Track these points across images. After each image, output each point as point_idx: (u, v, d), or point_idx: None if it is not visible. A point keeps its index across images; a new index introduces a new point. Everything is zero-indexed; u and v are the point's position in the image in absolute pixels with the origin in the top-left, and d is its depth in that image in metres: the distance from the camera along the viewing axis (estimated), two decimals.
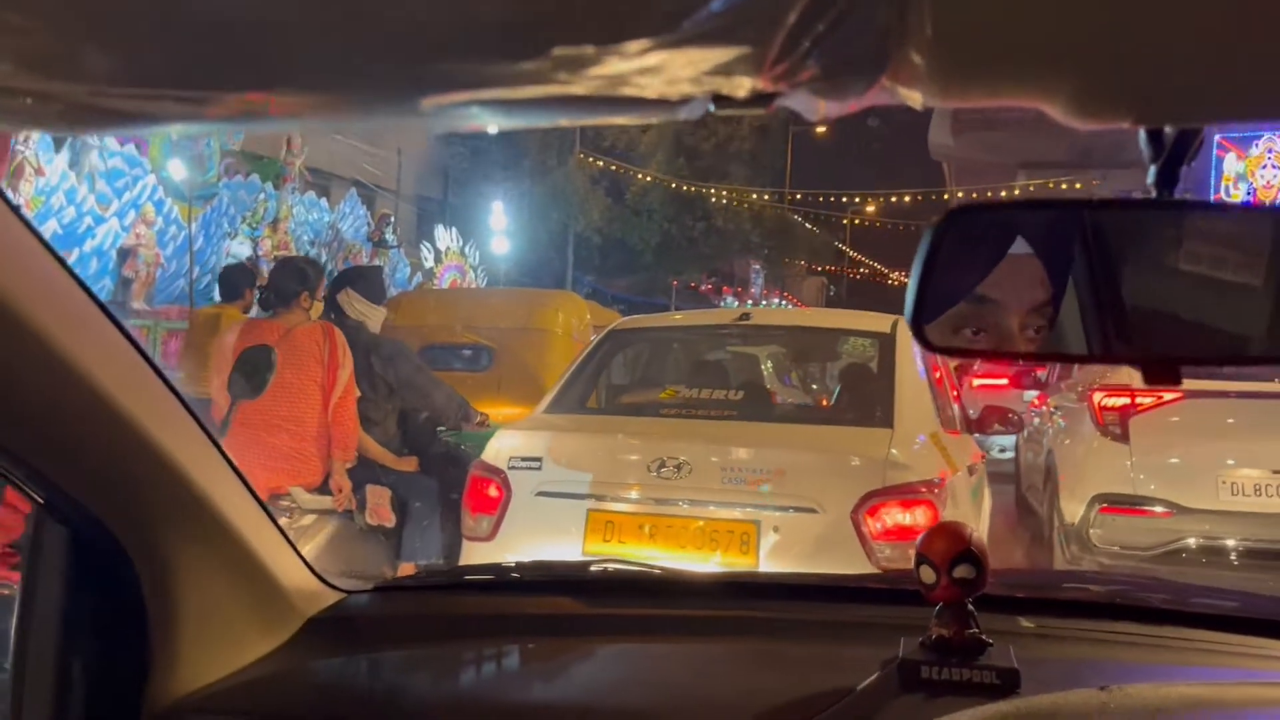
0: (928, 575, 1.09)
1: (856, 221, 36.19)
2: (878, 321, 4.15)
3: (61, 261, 0.86)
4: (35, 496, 1.00)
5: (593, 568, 1.60)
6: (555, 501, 3.46)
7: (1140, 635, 1.27)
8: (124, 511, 1.03)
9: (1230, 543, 4.80)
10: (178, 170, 11.79)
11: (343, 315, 4.56)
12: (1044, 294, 0.78)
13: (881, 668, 1.11)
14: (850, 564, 3.02)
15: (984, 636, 1.10)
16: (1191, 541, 4.84)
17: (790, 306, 35.46)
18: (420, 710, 1.16)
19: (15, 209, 0.81)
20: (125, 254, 10.92)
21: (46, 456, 0.94)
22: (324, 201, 15.95)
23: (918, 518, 3.07)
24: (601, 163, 25.79)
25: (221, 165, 13.75)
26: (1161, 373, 0.79)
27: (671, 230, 27.05)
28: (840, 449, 3.43)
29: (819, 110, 0.42)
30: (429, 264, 17.72)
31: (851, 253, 43.31)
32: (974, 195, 26.99)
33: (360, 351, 4.35)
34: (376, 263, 16.12)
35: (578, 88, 0.39)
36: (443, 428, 4.88)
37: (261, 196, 13.50)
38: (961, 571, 1.07)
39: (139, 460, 0.99)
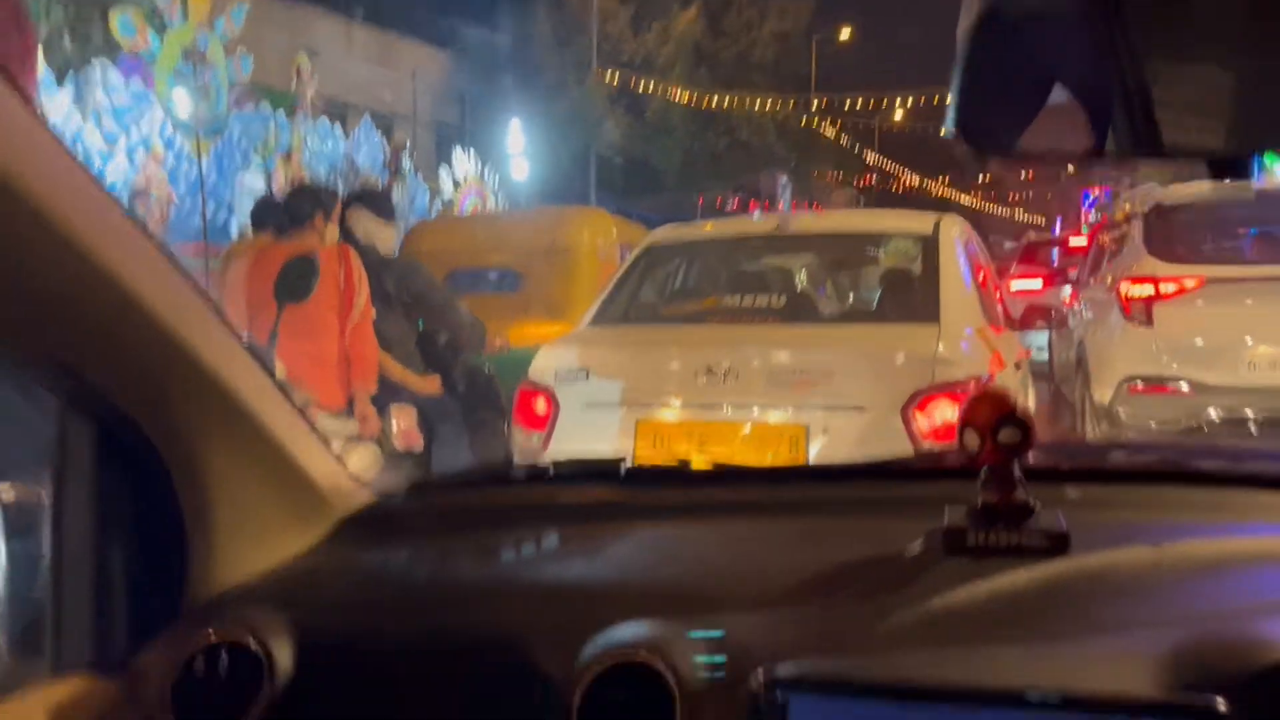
0: (971, 440, 1.05)
1: (884, 127, 35.32)
2: (920, 221, 4.14)
3: (77, 161, 0.86)
4: (58, 394, 1.01)
5: (629, 463, 1.58)
6: (604, 412, 3.48)
7: (1192, 499, 1.24)
8: (151, 405, 1.03)
9: (1250, 414, 5.01)
10: (185, 103, 11.55)
11: (352, 236, 4.43)
12: (1099, 86, 0.71)
13: (927, 537, 1.09)
14: None
15: (1031, 501, 1.07)
16: (1214, 415, 5.05)
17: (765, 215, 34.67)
18: (460, 595, 1.14)
19: (35, 112, 0.80)
20: (136, 194, 10.76)
21: (73, 350, 0.93)
22: (338, 130, 15.66)
23: None
24: (619, 78, 25.18)
25: (231, 97, 13.47)
26: (1229, 167, 0.82)
27: (694, 147, 26.52)
28: (888, 347, 3.39)
29: None
30: (447, 190, 17.45)
31: (880, 160, 42.37)
32: None
33: (372, 272, 4.22)
34: (394, 189, 15.90)
35: None
36: (463, 354, 4.76)
37: (272, 127, 13.24)
38: (1006, 435, 1.03)
39: (165, 354, 0.99)
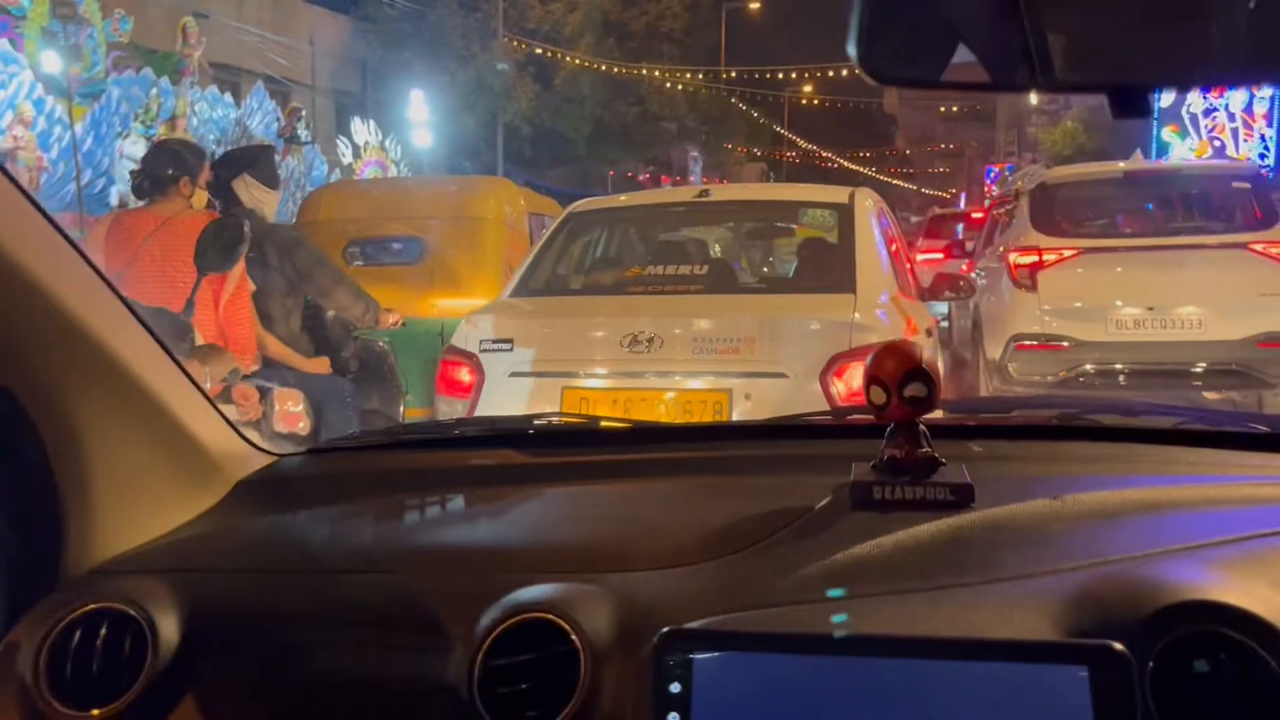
0: (878, 395, 1.06)
1: (795, 100, 35.46)
2: (835, 193, 4.25)
3: None
4: None
5: (537, 421, 1.55)
6: (529, 381, 3.51)
7: (1089, 453, 1.29)
8: (16, 364, 0.98)
9: (1118, 366, 5.96)
10: (55, 64, 10.85)
11: (235, 202, 4.10)
12: (1003, 12, 0.70)
13: (834, 492, 1.10)
14: None
15: (936, 455, 1.08)
16: (1089, 367, 5.96)
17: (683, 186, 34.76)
18: (357, 559, 1.11)
19: None
20: (2, 158, 10.07)
21: None
22: (228, 97, 14.95)
23: None
24: (526, 46, 24.65)
25: (108, 59, 12.75)
26: (1130, 103, 0.76)
27: (604, 117, 26.13)
28: (807, 315, 3.52)
29: None
30: (347, 160, 16.85)
31: (791, 134, 42.64)
32: None
33: (254, 242, 3.90)
34: (289, 159, 15.26)
35: None
36: (356, 331, 4.47)
37: (155, 92, 12.54)
38: (912, 390, 1.04)
39: (31, 311, 0.93)
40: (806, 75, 31.32)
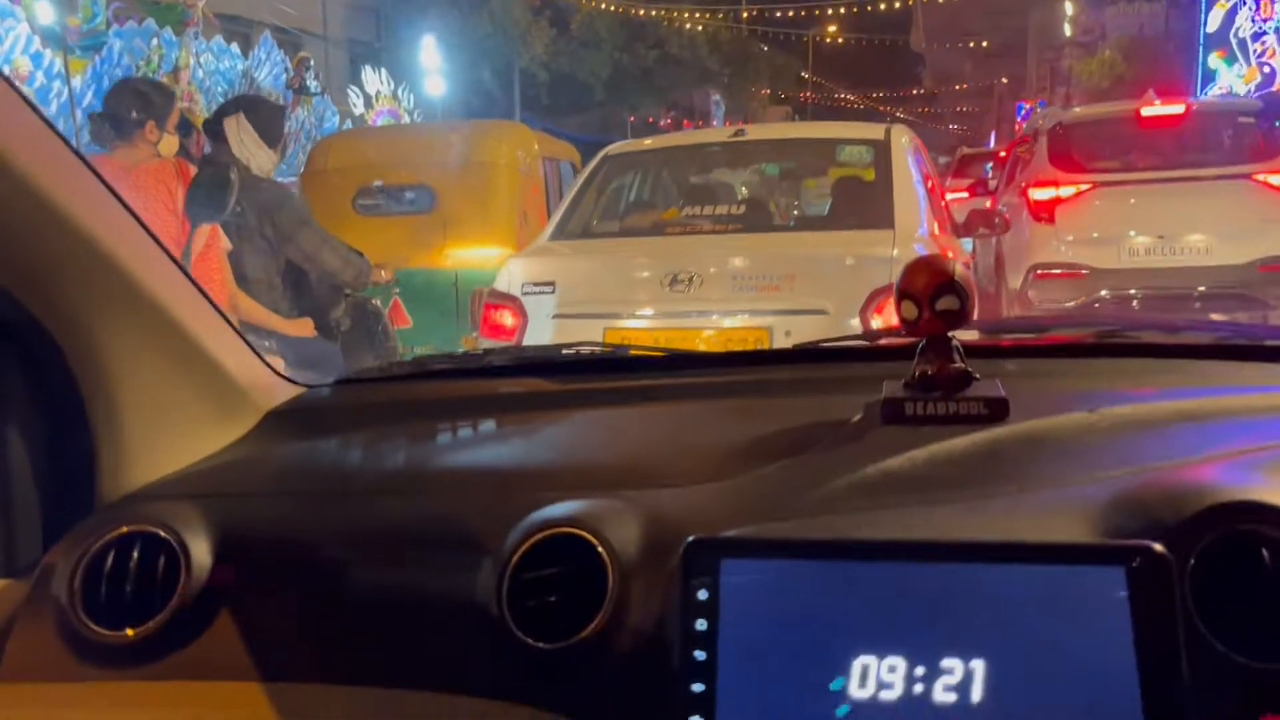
0: (909, 310, 1.04)
1: (819, 40, 34.52)
2: (871, 130, 4.31)
3: None
4: None
5: (565, 350, 1.54)
6: (571, 323, 3.53)
7: (1127, 368, 1.27)
8: (47, 295, 0.98)
9: (1131, 291, 6.33)
10: (52, 16, 10.52)
11: (223, 147, 3.80)
12: None
13: (865, 409, 1.08)
14: None
15: (970, 369, 1.06)
16: (1104, 293, 6.33)
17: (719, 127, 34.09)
18: (387, 483, 1.13)
19: None
20: None
21: None
22: (235, 48, 14.54)
23: None
24: None
25: (109, 10, 12.38)
26: None
27: (623, 60, 25.46)
28: (845, 251, 3.53)
29: None
30: (359, 110, 16.43)
31: (815, 75, 41.66)
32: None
33: (236, 196, 3.59)
34: (298, 111, 14.87)
35: None
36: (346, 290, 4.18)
37: (155, 43, 12.18)
38: (944, 303, 1.02)
39: (61, 242, 0.94)
40: (830, 11, 30.37)
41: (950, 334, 1.06)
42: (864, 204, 4.02)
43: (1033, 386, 1.17)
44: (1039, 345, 1.41)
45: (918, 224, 3.68)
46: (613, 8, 24.61)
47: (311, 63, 15.35)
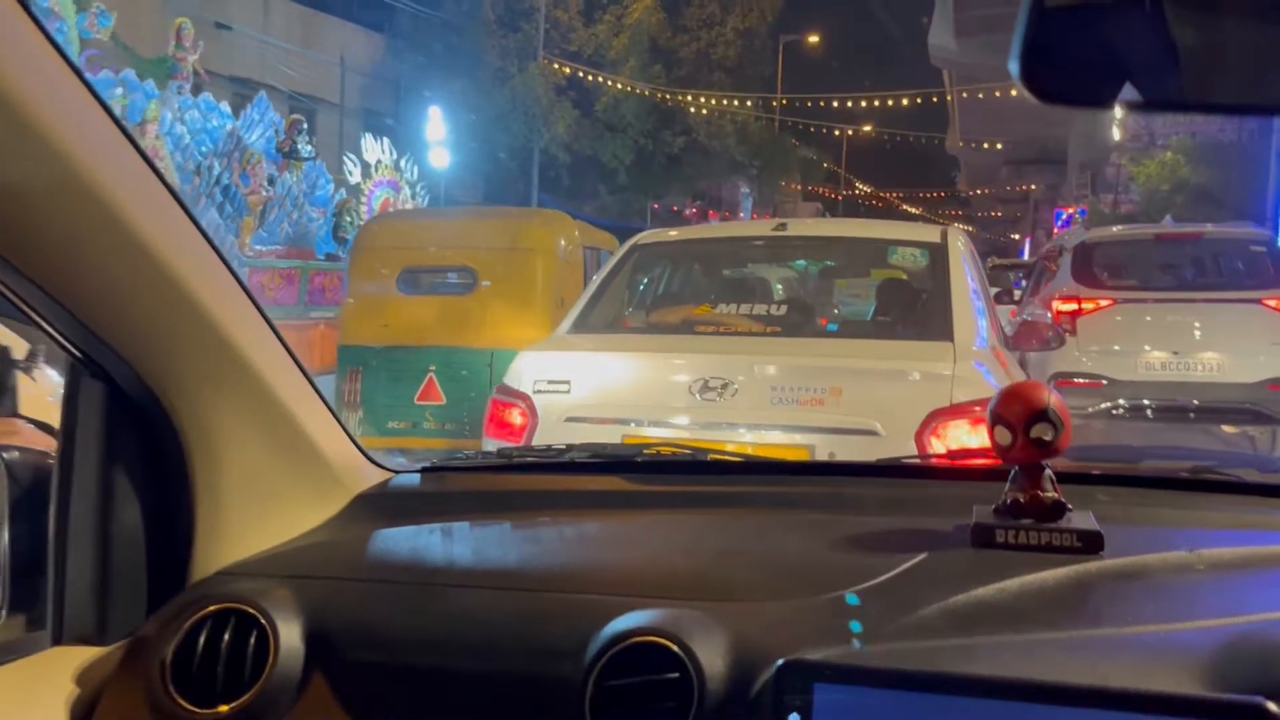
0: (1003, 436, 1.04)
1: (852, 133, 33.70)
2: (926, 231, 4.11)
3: (115, 120, 0.84)
4: (72, 350, 0.97)
5: (646, 450, 1.55)
6: (586, 427, 3.26)
7: (1225, 506, 1.25)
8: (166, 369, 1.01)
9: (1145, 402, 6.68)
10: None
11: None
12: (1166, 34, 0.73)
13: (953, 535, 1.08)
14: None
15: (1063, 500, 1.06)
16: (1121, 402, 6.71)
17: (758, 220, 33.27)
18: (473, 574, 1.13)
19: (68, 60, 0.78)
20: None
21: (90, 306, 0.91)
22: (224, 106, 13.58)
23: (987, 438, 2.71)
24: (569, 69, 23.23)
25: (81, 57, 11.35)
26: None
27: (648, 146, 24.61)
28: (900, 364, 3.24)
29: None
30: (355, 179, 15.40)
31: (847, 171, 40.91)
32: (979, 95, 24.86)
33: None
34: (285, 176, 13.81)
35: None
36: None
37: (120, 91, 11.16)
38: (1038, 431, 1.02)
39: (184, 319, 0.97)
40: (864, 104, 29.51)
41: (1043, 463, 1.05)
42: (917, 311, 3.75)
43: (1126, 518, 1.15)
44: (1132, 475, 1.38)
45: (978, 337, 3.36)
46: (642, 92, 23.78)
47: (304, 126, 14.40)
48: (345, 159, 15.68)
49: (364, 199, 15.27)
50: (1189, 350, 6.82)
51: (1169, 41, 0.72)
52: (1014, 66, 0.74)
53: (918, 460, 1.47)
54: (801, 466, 1.59)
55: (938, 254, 3.76)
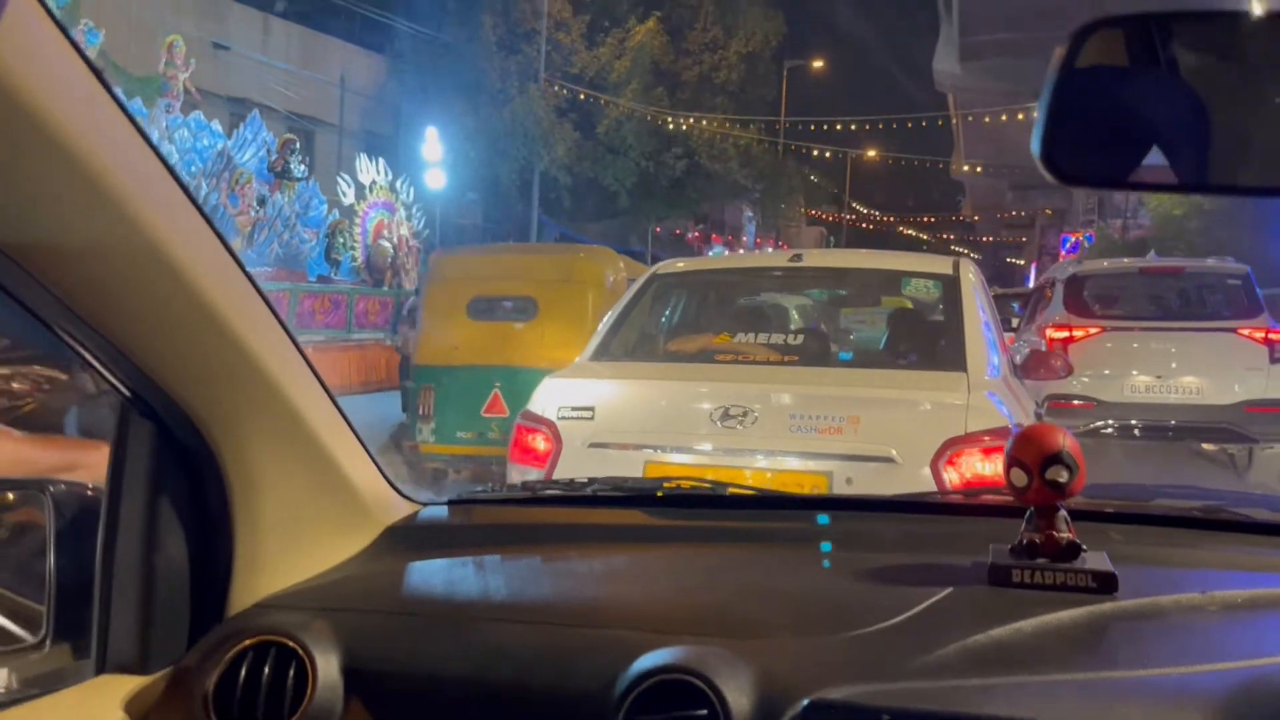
0: (1019, 478, 1.07)
1: (857, 160, 33.49)
2: (939, 263, 4.20)
3: (159, 155, 0.86)
4: (123, 389, 1.00)
5: (667, 484, 1.59)
6: (610, 453, 3.33)
7: (1236, 545, 1.28)
8: (213, 408, 1.03)
9: (1132, 422, 7.39)
10: None
11: None
12: (1187, 119, 0.75)
13: (970, 574, 1.10)
14: None
15: (1078, 541, 1.08)
16: (1111, 422, 7.35)
17: (774, 251, 33.01)
18: (501, 607, 1.16)
19: (117, 100, 0.79)
20: None
21: (142, 347, 0.95)
22: (216, 125, 13.31)
23: (1000, 467, 2.40)
24: (569, 91, 22.99)
25: None
26: None
27: (650, 169, 24.35)
28: (916, 394, 3.32)
29: None
30: (348, 200, 15.11)
31: (851, 195, 40.68)
32: (983, 122, 24.65)
33: None
34: (277, 196, 13.52)
35: None
36: None
37: None
38: (1054, 474, 1.04)
39: (230, 359, 1.00)
40: (867, 128, 29.29)
41: (1058, 504, 1.07)
42: (930, 341, 3.89)
43: (1139, 558, 1.17)
44: (1145, 514, 1.39)
45: (990, 367, 3.47)
46: (644, 114, 23.53)
47: (297, 145, 14.14)
48: (339, 180, 15.39)
49: (358, 220, 14.99)
50: (1171, 375, 7.50)
51: (1188, 127, 0.74)
52: (1035, 147, 0.75)
53: (935, 496, 1.50)
54: (819, 501, 1.62)
55: (950, 285, 3.85)
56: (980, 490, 1.87)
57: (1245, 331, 7.50)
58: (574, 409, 3.40)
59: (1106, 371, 7.51)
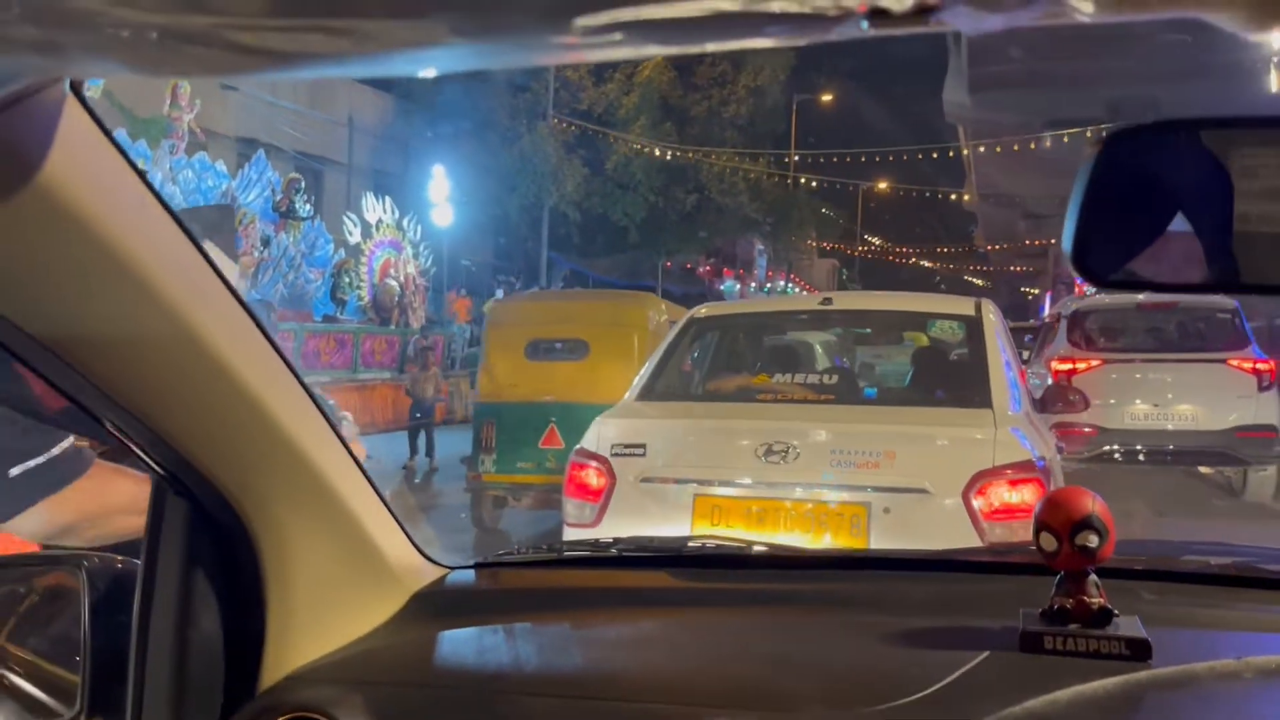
0: (1049, 543, 1.06)
1: (869, 188, 33.38)
2: (961, 304, 4.41)
3: (186, 231, 0.87)
4: (158, 469, 1.02)
5: (691, 543, 1.58)
6: (661, 487, 3.57)
7: (1267, 604, 1.26)
8: (246, 484, 1.05)
9: (1136, 447, 8.12)
10: None
11: None
12: (1214, 220, 0.78)
13: (1001, 639, 1.09)
14: (962, 543, 3.04)
15: (1110, 607, 1.08)
16: (1114, 447, 8.08)
17: (802, 292, 32.87)
18: (529, 682, 1.15)
19: (145, 178, 0.81)
20: None
21: (178, 430, 0.96)
22: (220, 165, 13.28)
23: (1026, 496, 3.23)
24: (578, 128, 23.00)
25: None
26: None
27: (659, 204, 24.28)
28: (946, 429, 3.56)
29: (979, 23, 0.40)
30: (354, 239, 15.04)
31: (862, 228, 40.58)
32: (999, 152, 24.53)
33: None
34: (281, 236, 13.46)
35: (728, 3, 0.38)
36: None
37: None
38: (1083, 539, 1.04)
39: (263, 437, 1.01)
40: (878, 159, 29.18)
41: (1089, 570, 1.06)
42: (956, 379, 4.10)
43: (1171, 619, 1.15)
44: (1175, 572, 1.37)
45: (1013, 403, 3.69)
46: (651, 151, 23.50)
47: (302, 184, 14.07)
48: (345, 219, 15.34)
49: (364, 259, 14.91)
50: (1167, 403, 8.19)
51: (1222, 229, 0.75)
52: (1066, 247, 0.78)
53: (963, 554, 1.49)
54: (845, 560, 1.62)
55: (973, 326, 4.04)
56: (1006, 548, 1.90)
57: (1234, 362, 8.16)
58: (626, 446, 3.64)
59: (1110, 400, 8.04)
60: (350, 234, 15.03)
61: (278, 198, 13.61)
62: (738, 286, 33.27)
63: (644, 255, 26.41)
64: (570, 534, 3.71)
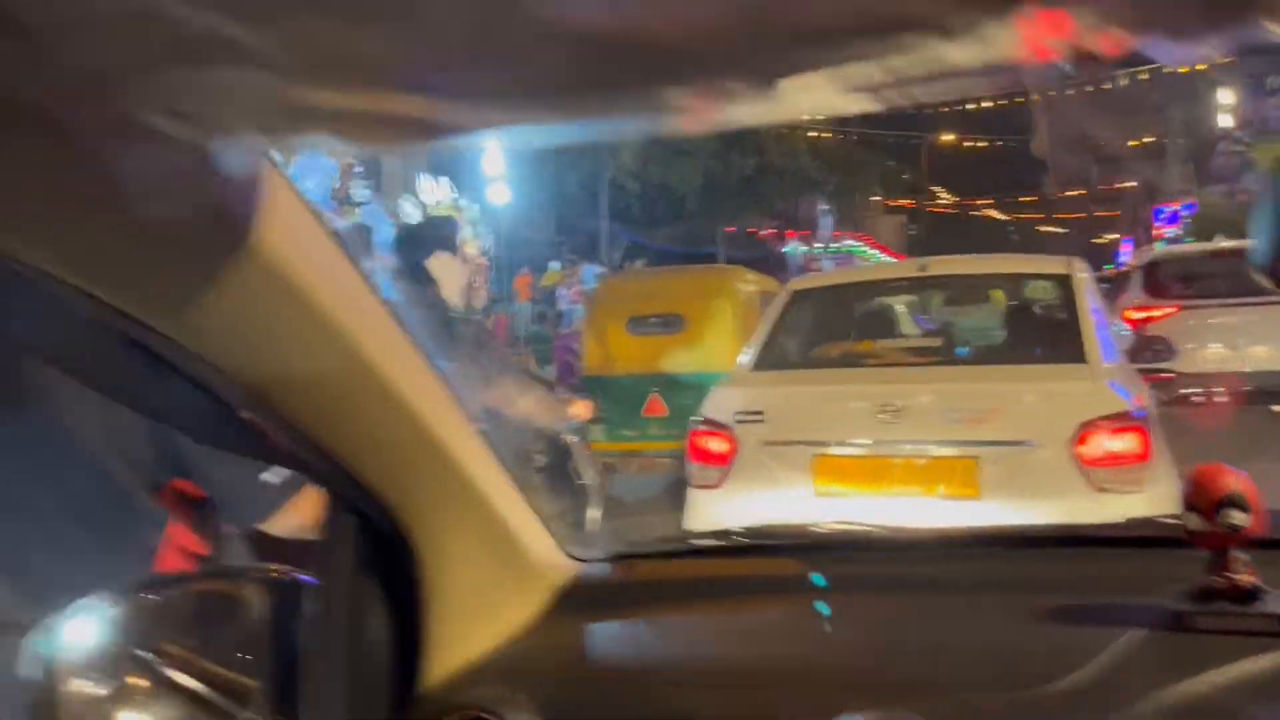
0: (1193, 521, 1.04)
1: (933, 141, 32.53)
2: (1052, 264, 4.61)
3: (370, 284, 0.91)
4: (332, 489, 1.08)
5: (817, 529, 1.62)
6: (782, 450, 3.77)
7: None
8: (408, 498, 1.08)
9: (1214, 389, 8.32)
10: None
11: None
12: None
13: (1145, 619, 1.07)
14: (1070, 492, 3.39)
15: (1259, 584, 1.04)
16: (1189, 390, 8.33)
17: (869, 250, 32.22)
18: (682, 672, 1.16)
19: (300, 194, 0.83)
20: None
21: (351, 454, 1.00)
22: (275, 154, 13.28)
23: (1130, 444, 3.40)
24: None
25: None
26: None
27: (717, 170, 23.89)
28: (1047, 385, 3.74)
29: (1177, 56, 0.40)
30: (414, 221, 15.00)
31: (928, 181, 39.61)
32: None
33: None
34: (341, 222, 13.44)
35: (961, 57, 0.37)
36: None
37: None
38: (1228, 516, 1.01)
39: (424, 454, 1.05)
40: (943, 110, 28.38)
41: (1235, 547, 1.03)
42: (1055, 337, 4.17)
43: None
44: None
45: (1107, 356, 3.82)
46: None
47: (360, 170, 13.98)
48: (402, 201, 15.31)
49: None
50: (1243, 345, 8.48)
51: None
52: (1258, 259, 0.77)
53: (1095, 531, 1.45)
54: (977, 539, 1.58)
55: (1064, 284, 4.21)
56: (1141, 522, 1.90)
57: None
58: (748, 413, 3.87)
59: (1187, 345, 8.47)
60: (409, 216, 15.02)
61: (336, 185, 13.60)
62: (802, 249, 32.72)
63: (704, 222, 26.11)
64: (695, 495, 4.00)
